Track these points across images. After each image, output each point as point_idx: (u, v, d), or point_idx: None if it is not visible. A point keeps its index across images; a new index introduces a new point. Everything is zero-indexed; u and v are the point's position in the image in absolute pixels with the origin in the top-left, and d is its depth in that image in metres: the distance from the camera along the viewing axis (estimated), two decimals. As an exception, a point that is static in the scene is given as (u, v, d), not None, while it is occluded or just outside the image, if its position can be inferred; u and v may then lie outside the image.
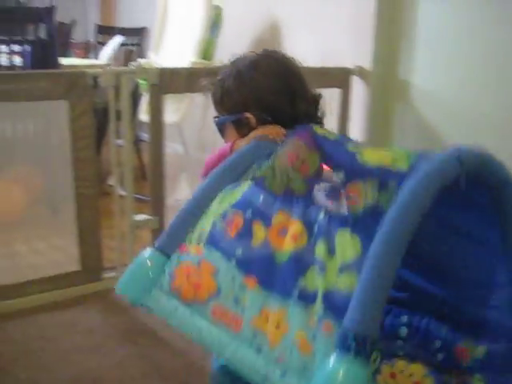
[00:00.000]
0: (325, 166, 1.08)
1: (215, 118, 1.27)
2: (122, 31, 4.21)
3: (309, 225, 0.95)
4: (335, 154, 1.04)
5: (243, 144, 1.17)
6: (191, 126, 3.05)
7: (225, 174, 1.09)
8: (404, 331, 1.18)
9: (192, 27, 3.13)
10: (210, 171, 1.15)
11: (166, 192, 2.31)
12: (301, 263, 0.92)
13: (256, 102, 1.19)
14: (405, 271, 1.14)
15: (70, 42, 4.36)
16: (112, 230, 2.31)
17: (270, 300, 0.93)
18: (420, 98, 2.51)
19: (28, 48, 2.75)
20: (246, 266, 0.97)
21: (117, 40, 3.71)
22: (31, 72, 2.47)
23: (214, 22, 3.09)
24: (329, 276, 0.89)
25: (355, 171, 0.98)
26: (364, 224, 0.91)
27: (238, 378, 0.98)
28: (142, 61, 3.11)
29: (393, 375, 1.16)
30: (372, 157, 0.99)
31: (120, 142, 2.30)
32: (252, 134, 1.19)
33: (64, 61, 2.99)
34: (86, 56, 4.39)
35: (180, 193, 2.83)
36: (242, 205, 1.02)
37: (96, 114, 2.14)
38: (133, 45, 4.24)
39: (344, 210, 0.95)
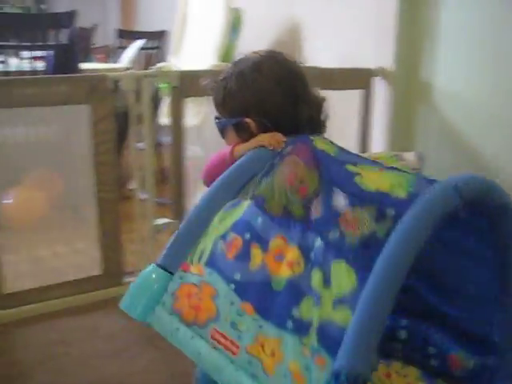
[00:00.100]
0: None
1: (216, 119, 1.26)
2: (142, 35, 4.22)
3: (305, 251, 0.95)
4: (334, 173, 1.03)
5: (242, 150, 1.16)
6: (212, 129, 3.04)
7: (224, 188, 1.09)
8: (403, 334, 1.20)
9: (212, 30, 3.13)
10: (210, 176, 1.16)
11: (187, 195, 2.30)
12: (296, 292, 0.93)
13: (257, 106, 1.18)
14: (410, 279, 1.13)
15: (90, 46, 4.38)
16: (133, 234, 2.31)
17: (265, 327, 0.94)
18: (443, 99, 2.47)
19: (50, 53, 2.76)
20: (243, 291, 0.98)
21: (137, 44, 3.72)
22: (52, 77, 2.48)
23: (234, 25, 3.08)
24: (324, 308, 0.89)
25: (353, 195, 0.97)
26: (360, 255, 0.91)
27: None
28: (162, 64, 3.12)
29: (388, 375, 1.19)
30: (371, 180, 0.98)
31: (141, 145, 2.29)
32: (251, 143, 1.17)
33: (85, 65, 3.00)
34: (106, 60, 4.41)
35: (201, 196, 2.82)
36: (242, 227, 1.02)
37: (116, 118, 2.13)
38: (153, 48, 4.25)
39: (341, 238, 0.94)
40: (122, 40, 4.48)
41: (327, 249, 0.94)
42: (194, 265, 1.03)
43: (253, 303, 0.96)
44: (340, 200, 0.98)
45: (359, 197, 0.96)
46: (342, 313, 0.87)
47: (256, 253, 0.99)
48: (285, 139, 1.13)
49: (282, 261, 0.96)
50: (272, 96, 1.17)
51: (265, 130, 1.18)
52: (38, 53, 2.97)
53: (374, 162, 1.08)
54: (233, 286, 0.99)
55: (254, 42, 3.20)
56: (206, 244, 1.04)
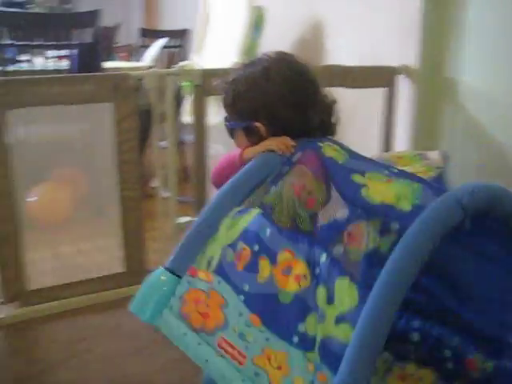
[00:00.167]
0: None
1: (225, 120, 1.25)
2: (165, 34, 4.23)
3: (312, 266, 0.96)
4: (341, 185, 1.03)
5: (251, 153, 1.16)
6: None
7: (232, 193, 1.10)
8: (416, 336, 1.19)
9: (234, 28, 3.13)
10: (219, 178, 1.17)
11: (210, 193, 2.30)
12: (302, 307, 0.94)
13: (266, 109, 1.17)
14: (425, 279, 1.14)
15: (113, 45, 4.41)
16: (155, 232, 2.32)
17: (272, 340, 0.95)
18: (468, 97, 2.43)
19: (74, 52, 2.79)
20: (252, 303, 0.99)
21: (160, 42, 3.73)
22: (77, 75, 2.50)
23: (257, 23, 3.07)
24: (326, 325, 0.90)
25: (359, 207, 0.98)
26: (363, 272, 0.91)
27: None
28: (184, 63, 3.13)
29: (402, 377, 1.19)
30: (376, 192, 0.98)
31: (163, 144, 2.30)
32: (260, 146, 1.16)
33: (108, 64, 3.02)
34: (129, 59, 4.43)
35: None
36: (250, 237, 1.03)
37: (139, 116, 2.14)
38: (175, 47, 4.26)
39: (345, 253, 0.94)
40: (144, 39, 4.50)
41: (332, 265, 0.94)
42: (201, 270, 1.04)
43: (260, 315, 0.97)
44: (345, 213, 0.98)
45: (364, 210, 0.97)
46: (344, 329, 0.88)
47: (264, 265, 1.00)
48: (294, 143, 1.13)
49: (290, 274, 0.97)
50: (281, 99, 1.16)
51: (274, 134, 1.17)
52: (63, 52, 3.00)
53: (384, 167, 1.08)
54: (242, 297, 1.00)
55: (276, 40, 3.19)
56: (215, 251, 1.05)
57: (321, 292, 0.93)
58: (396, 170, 1.06)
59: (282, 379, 0.93)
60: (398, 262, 0.85)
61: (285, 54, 1.23)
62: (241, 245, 1.03)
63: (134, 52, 4.60)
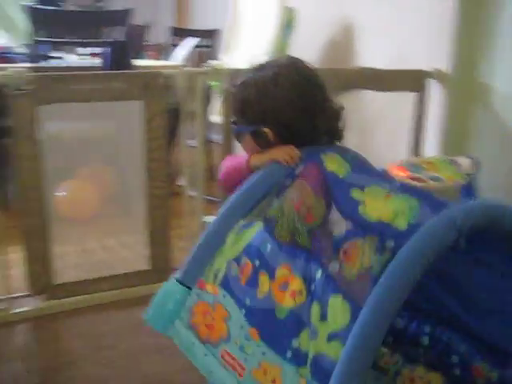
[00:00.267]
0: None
1: (233, 123, 1.26)
2: (195, 33, 4.25)
3: (308, 282, 0.98)
4: (340, 200, 1.05)
5: (258, 161, 1.18)
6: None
7: (237, 206, 1.13)
8: (426, 340, 1.24)
9: (265, 29, 3.13)
10: (227, 182, 1.21)
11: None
12: (297, 323, 0.96)
13: (275, 115, 1.17)
14: (434, 286, 1.18)
15: (143, 43, 4.44)
16: (181, 231, 2.32)
17: (268, 355, 0.98)
18: (502, 102, 2.39)
19: (107, 50, 2.81)
20: (251, 317, 1.02)
21: (190, 42, 3.74)
22: (108, 72, 2.52)
23: (288, 24, 3.07)
24: (319, 341, 0.92)
25: (356, 225, 0.99)
26: (356, 290, 0.92)
27: None
28: (213, 62, 3.13)
29: (412, 379, 1.25)
30: (374, 209, 1.00)
31: (191, 142, 2.31)
32: (266, 155, 1.17)
33: (138, 62, 3.04)
34: (158, 58, 4.46)
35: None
36: (253, 252, 1.06)
37: (167, 114, 2.15)
38: (205, 47, 4.28)
39: (340, 271, 0.96)
40: (175, 38, 4.52)
41: (327, 282, 0.96)
42: (209, 283, 1.09)
43: (258, 329, 1.01)
44: (343, 230, 1.00)
45: (361, 227, 0.98)
46: (335, 347, 0.89)
47: (264, 280, 1.03)
48: (299, 154, 1.14)
49: (286, 290, 0.99)
50: (290, 105, 1.17)
51: (282, 139, 1.18)
52: (95, 49, 3.03)
53: (385, 180, 1.08)
54: (243, 310, 1.03)
55: (306, 41, 3.18)
56: (221, 265, 1.09)
57: (315, 308, 0.95)
58: (397, 184, 1.07)
59: None
60: (390, 281, 0.87)
61: (294, 58, 1.24)
62: (244, 259, 1.07)
63: (164, 51, 4.63)
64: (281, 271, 1.01)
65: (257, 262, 1.05)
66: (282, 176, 1.12)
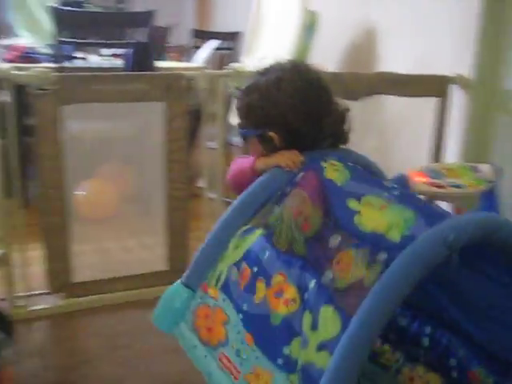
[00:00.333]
0: None
1: (239, 126, 1.27)
2: (217, 35, 4.26)
3: (302, 291, 0.99)
4: (337, 209, 1.05)
5: (263, 165, 1.19)
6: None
7: (239, 211, 1.14)
8: (426, 341, 1.26)
9: (287, 32, 3.12)
10: (235, 184, 1.23)
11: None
12: (289, 330, 0.98)
13: (279, 119, 1.18)
14: (437, 291, 1.20)
15: (165, 45, 4.46)
16: (200, 233, 2.31)
17: (261, 360, 1.00)
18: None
19: (129, 51, 2.83)
20: (248, 322, 1.04)
21: (212, 44, 3.76)
22: (131, 74, 2.54)
23: (310, 27, 3.06)
24: (309, 350, 0.93)
25: (349, 233, 1.00)
26: (347, 301, 0.92)
27: None
28: (235, 65, 3.13)
29: (411, 379, 1.28)
30: (369, 219, 1.00)
31: (212, 144, 2.31)
32: (270, 160, 1.18)
33: (160, 64, 3.06)
34: (180, 59, 4.48)
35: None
36: (251, 259, 1.08)
37: (188, 116, 2.16)
38: (226, 49, 4.29)
39: (332, 281, 0.96)
40: (196, 40, 4.54)
41: (320, 292, 0.96)
42: (211, 287, 1.12)
43: (253, 335, 1.03)
44: (338, 240, 1.01)
45: (355, 237, 0.99)
46: (324, 357, 0.90)
47: (260, 287, 1.04)
48: (302, 159, 1.15)
49: (281, 297, 1.00)
50: (293, 109, 1.18)
51: (288, 143, 1.19)
52: (117, 50, 3.05)
53: (384, 189, 1.09)
54: (241, 315, 1.05)
55: (328, 44, 3.18)
56: (222, 269, 1.11)
57: (307, 317, 0.95)
58: (396, 193, 1.07)
59: None
60: (379, 296, 0.87)
61: (297, 63, 1.25)
62: (243, 265, 1.09)
63: (185, 52, 4.65)
64: (276, 278, 1.03)
65: (255, 269, 1.06)
66: (284, 181, 1.14)
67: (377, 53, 3.00)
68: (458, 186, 1.74)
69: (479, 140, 2.51)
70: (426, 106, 2.51)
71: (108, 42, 3.03)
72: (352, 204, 1.05)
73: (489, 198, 1.73)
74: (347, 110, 1.24)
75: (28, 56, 2.97)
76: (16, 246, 2.08)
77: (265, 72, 1.23)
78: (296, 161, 1.15)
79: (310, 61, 3.13)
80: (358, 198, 1.05)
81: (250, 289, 1.05)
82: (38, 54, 3.04)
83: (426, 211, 1.01)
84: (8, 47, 3.04)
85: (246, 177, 1.19)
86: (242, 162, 1.26)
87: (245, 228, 1.12)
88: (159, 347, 1.90)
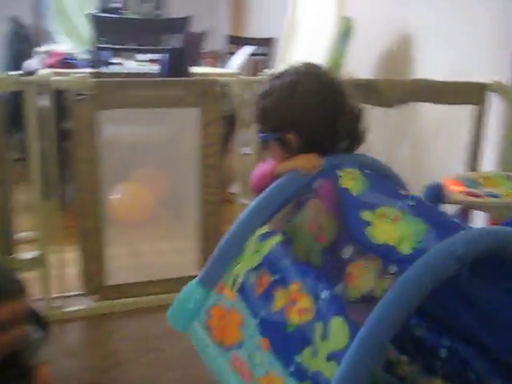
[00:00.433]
0: None
1: (259, 131, 1.27)
2: (251, 41, 4.28)
3: (315, 301, 0.99)
4: (349, 220, 1.06)
5: (282, 169, 1.19)
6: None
7: (256, 214, 1.15)
8: (443, 353, 1.23)
9: (321, 38, 3.12)
10: (257, 189, 1.21)
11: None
12: (301, 339, 0.98)
13: (295, 122, 1.19)
14: (451, 296, 1.17)
15: (200, 51, 4.51)
16: (232, 238, 2.33)
17: (274, 366, 1.00)
18: None
19: (165, 56, 2.86)
20: (264, 328, 1.04)
21: (246, 50, 3.77)
22: (167, 79, 2.57)
23: (345, 34, 3.05)
24: (318, 359, 0.93)
25: (361, 245, 1.01)
26: (357, 313, 0.92)
27: None
28: (269, 71, 3.14)
29: None
30: (381, 231, 1.01)
31: (245, 150, 2.32)
32: (289, 164, 1.19)
33: (195, 69, 3.09)
34: (215, 65, 4.51)
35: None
36: (270, 266, 1.08)
37: (223, 121, 2.17)
38: (261, 55, 4.30)
39: (344, 292, 0.97)
40: (231, 46, 4.57)
41: (331, 302, 0.97)
42: (227, 288, 1.12)
43: (271, 340, 1.03)
44: (349, 251, 1.01)
45: (367, 249, 0.99)
46: (332, 367, 0.90)
47: (279, 296, 1.04)
48: (321, 161, 1.16)
49: (294, 306, 1.01)
50: (309, 112, 1.19)
51: (306, 145, 1.20)
52: (154, 56, 3.09)
53: (399, 198, 1.08)
54: (257, 320, 1.05)
55: (363, 50, 3.16)
56: (240, 272, 1.11)
57: (318, 327, 0.96)
58: (411, 203, 1.07)
59: None
60: (387, 307, 0.87)
61: (312, 65, 1.25)
62: (263, 271, 1.09)
63: (220, 58, 4.69)
64: (292, 287, 1.03)
65: (273, 276, 1.07)
66: (301, 184, 1.15)
67: (413, 59, 2.97)
68: (494, 196, 1.71)
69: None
70: (462, 113, 2.47)
71: (144, 47, 3.07)
72: (365, 215, 1.05)
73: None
74: (362, 110, 1.25)
75: (67, 62, 3.03)
76: (53, 247, 2.12)
77: (279, 76, 1.24)
78: (315, 164, 1.16)
79: (345, 67, 3.13)
80: (373, 209, 1.06)
81: (268, 296, 1.06)
82: (76, 59, 3.10)
83: (440, 223, 1.01)
84: (48, 53, 3.11)
85: (267, 181, 1.20)
86: (263, 168, 1.27)
87: (263, 231, 1.13)
88: (191, 351, 1.87)
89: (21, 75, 1.94)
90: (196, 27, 4.09)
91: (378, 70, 3.21)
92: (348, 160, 1.19)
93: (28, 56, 3.26)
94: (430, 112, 2.64)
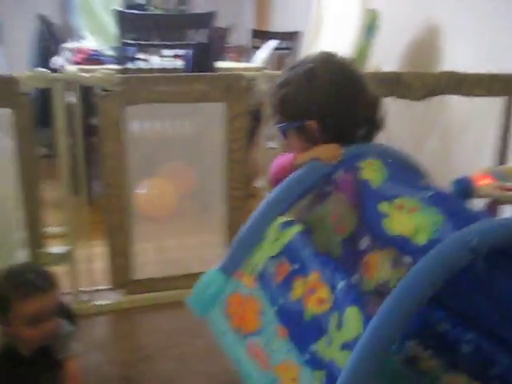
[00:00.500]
0: None
1: (277, 122, 1.27)
2: (276, 35, 4.27)
3: (332, 291, 0.99)
4: (367, 211, 1.06)
5: (302, 160, 1.19)
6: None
7: (276, 202, 1.14)
8: (466, 348, 1.21)
9: (347, 31, 3.09)
10: (276, 181, 1.20)
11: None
12: (318, 328, 0.98)
13: (314, 109, 1.19)
14: (474, 289, 1.14)
15: (225, 45, 4.51)
16: (257, 232, 2.33)
17: (292, 353, 1.01)
18: None
19: (189, 52, 2.87)
20: (282, 315, 1.05)
21: (271, 44, 3.76)
22: (192, 75, 2.57)
23: (370, 26, 3.02)
24: (333, 349, 0.94)
25: (377, 236, 1.02)
26: (372, 303, 0.92)
27: None
28: (294, 65, 3.13)
29: None
30: (397, 223, 1.01)
31: (271, 144, 2.31)
32: (309, 154, 1.18)
33: (220, 64, 3.08)
34: (239, 59, 4.51)
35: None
36: (291, 255, 1.08)
37: (248, 116, 2.17)
38: (286, 49, 4.29)
39: (359, 283, 0.99)
40: (255, 40, 4.56)
41: (347, 292, 0.97)
42: (246, 276, 1.12)
43: (289, 328, 1.03)
44: (366, 243, 1.02)
45: (383, 240, 1.00)
46: (345, 356, 0.90)
47: (298, 285, 1.04)
48: (342, 151, 1.15)
49: (312, 295, 1.01)
50: (327, 96, 1.18)
51: (325, 133, 1.19)
52: (179, 51, 3.10)
53: (419, 189, 1.07)
54: (276, 308, 1.06)
55: (389, 42, 3.13)
56: (259, 260, 1.11)
57: (334, 317, 0.96)
58: (431, 193, 1.06)
59: None
60: (399, 297, 0.87)
61: (328, 54, 1.25)
62: (283, 259, 1.08)
63: (245, 53, 4.68)
64: (312, 276, 1.03)
65: (293, 265, 1.07)
66: (321, 175, 1.15)
67: (440, 51, 2.93)
68: (525, 189, 1.67)
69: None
70: (492, 105, 2.43)
71: (169, 43, 3.07)
72: (382, 207, 1.05)
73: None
74: (380, 98, 1.25)
75: (93, 58, 3.06)
76: (80, 242, 2.14)
77: (295, 66, 1.24)
78: (336, 153, 1.15)
79: (371, 60, 3.10)
80: (390, 200, 1.05)
81: (287, 284, 1.06)
82: (102, 55, 3.12)
83: (457, 214, 1.01)
84: (75, 50, 3.14)
85: (286, 173, 1.19)
86: (283, 159, 1.27)
87: (284, 220, 1.12)
88: (217, 346, 1.92)
89: (48, 72, 1.95)
90: (221, 22, 4.09)
91: (405, 62, 3.17)
92: (369, 150, 1.18)
93: (55, 53, 3.29)
94: (458, 104, 2.60)
